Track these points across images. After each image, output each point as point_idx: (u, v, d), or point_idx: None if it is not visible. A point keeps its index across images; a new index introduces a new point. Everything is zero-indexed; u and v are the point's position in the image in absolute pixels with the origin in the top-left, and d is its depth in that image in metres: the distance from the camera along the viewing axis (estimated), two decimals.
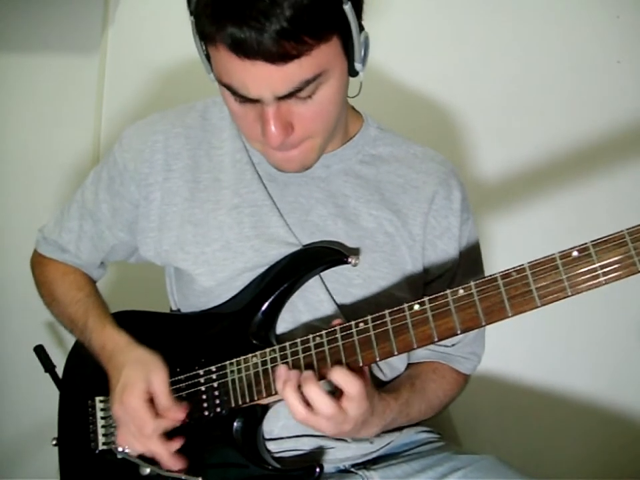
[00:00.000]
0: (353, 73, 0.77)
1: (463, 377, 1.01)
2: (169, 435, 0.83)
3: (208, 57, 0.76)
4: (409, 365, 0.99)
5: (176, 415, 0.82)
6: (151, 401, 0.82)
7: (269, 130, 0.73)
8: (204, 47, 0.75)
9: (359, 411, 0.75)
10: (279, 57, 0.67)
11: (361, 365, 0.76)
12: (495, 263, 1.32)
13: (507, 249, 1.35)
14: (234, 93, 0.73)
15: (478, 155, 1.40)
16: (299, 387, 0.74)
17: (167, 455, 0.82)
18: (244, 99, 0.73)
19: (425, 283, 0.96)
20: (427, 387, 0.94)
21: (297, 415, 0.74)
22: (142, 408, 0.81)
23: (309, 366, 0.78)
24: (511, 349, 1.34)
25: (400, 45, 1.42)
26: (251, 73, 0.69)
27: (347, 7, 0.69)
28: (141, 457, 0.87)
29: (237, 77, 0.70)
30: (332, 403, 0.73)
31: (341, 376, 0.74)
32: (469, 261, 0.99)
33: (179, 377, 0.88)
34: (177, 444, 0.83)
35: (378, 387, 0.87)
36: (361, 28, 0.74)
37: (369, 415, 0.77)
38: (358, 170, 0.94)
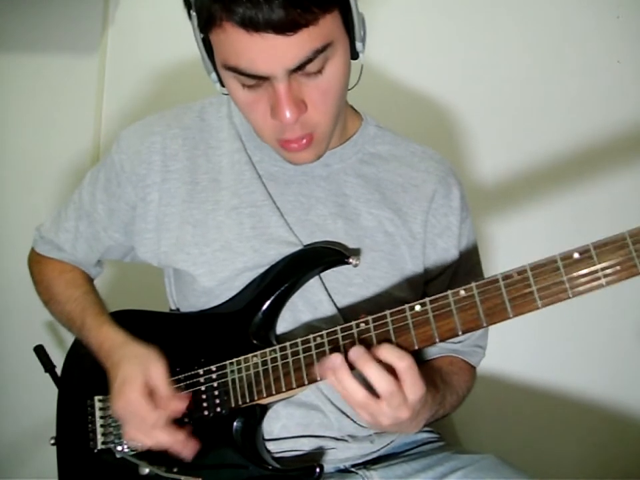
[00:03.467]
0: (354, 54, 0.78)
1: (473, 369, 1.02)
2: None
3: (210, 54, 0.75)
4: (423, 363, 0.99)
5: (177, 404, 0.82)
6: (151, 395, 0.82)
7: (282, 108, 0.72)
8: (206, 39, 0.74)
9: (416, 395, 0.71)
10: (288, 26, 0.66)
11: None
12: (497, 264, 1.32)
13: (509, 250, 1.35)
14: (242, 73, 0.72)
15: (479, 156, 1.40)
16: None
17: (175, 441, 0.81)
18: (253, 80, 0.72)
19: (425, 281, 0.96)
20: (452, 378, 0.93)
21: (356, 398, 0.71)
22: (142, 400, 0.81)
23: (309, 366, 0.78)
24: (511, 349, 1.34)
25: (399, 44, 1.43)
26: (261, 47, 0.68)
27: None
28: (140, 456, 0.87)
29: (246, 55, 0.70)
30: (392, 379, 0.70)
31: (389, 351, 0.71)
32: (469, 258, 0.99)
33: (179, 377, 0.88)
34: (184, 432, 0.83)
35: None
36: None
37: (423, 402, 0.75)
38: (358, 169, 0.94)
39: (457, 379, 0.95)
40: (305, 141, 0.79)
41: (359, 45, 0.76)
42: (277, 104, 0.73)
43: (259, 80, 0.72)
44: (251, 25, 0.66)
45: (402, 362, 0.70)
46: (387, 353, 0.71)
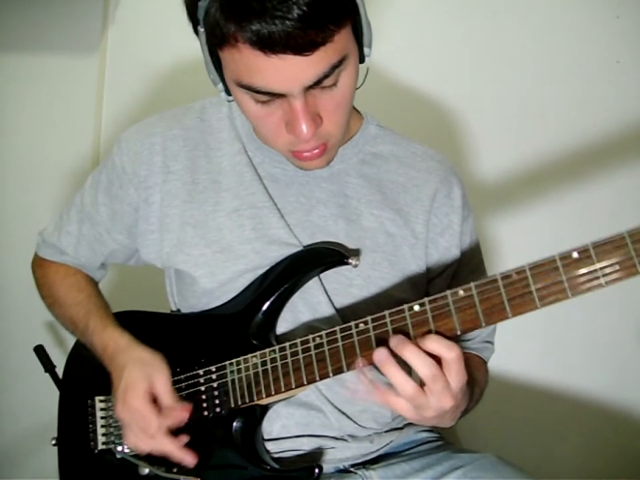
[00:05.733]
0: (361, 58, 0.78)
1: (486, 364, 1.02)
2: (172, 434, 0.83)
3: (218, 66, 0.74)
4: None
5: (180, 414, 0.82)
6: (154, 401, 0.82)
7: (299, 124, 0.72)
8: (214, 53, 0.73)
9: (460, 383, 0.70)
10: (307, 46, 0.66)
11: (360, 365, 0.76)
12: (496, 263, 1.32)
13: (508, 250, 1.35)
14: (257, 92, 0.71)
15: (479, 156, 1.40)
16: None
17: (175, 450, 0.81)
18: (268, 96, 0.72)
19: (427, 280, 0.96)
20: (473, 372, 0.92)
21: (407, 390, 0.70)
22: (144, 408, 0.80)
23: (309, 365, 0.79)
24: (512, 349, 1.34)
25: (401, 45, 1.43)
26: (278, 67, 0.68)
27: None
28: (140, 457, 0.87)
29: (262, 75, 0.69)
30: (435, 362, 0.69)
31: (438, 342, 0.69)
32: (471, 257, 0.99)
33: (179, 377, 0.88)
34: (183, 439, 0.83)
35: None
36: None
37: (464, 391, 0.74)
38: (359, 169, 0.94)
39: (476, 373, 0.94)
40: (318, 150, 0.79)
41: (366, 50, 0.76)
42: (293, 120, 0.73)
43: (273, 96, 0.72)
44: (269, 46, 0.66)
45: (451, 352, 0.69)
46: (436, 344, 0.70)
